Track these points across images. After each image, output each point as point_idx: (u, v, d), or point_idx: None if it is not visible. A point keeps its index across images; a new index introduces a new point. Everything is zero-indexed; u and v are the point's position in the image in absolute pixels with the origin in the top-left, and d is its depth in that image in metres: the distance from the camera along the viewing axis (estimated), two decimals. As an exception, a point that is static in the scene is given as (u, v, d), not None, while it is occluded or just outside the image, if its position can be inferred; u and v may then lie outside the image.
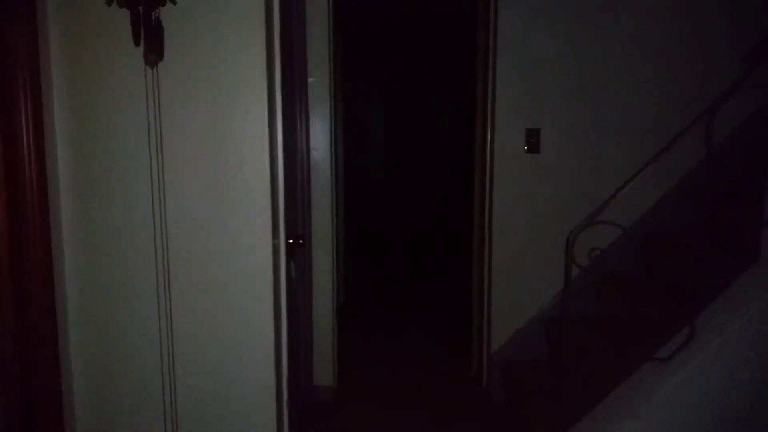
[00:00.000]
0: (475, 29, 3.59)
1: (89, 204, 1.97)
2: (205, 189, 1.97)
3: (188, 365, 2.03)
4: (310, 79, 3.19)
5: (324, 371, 3.53)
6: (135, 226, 1.97)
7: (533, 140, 3.29)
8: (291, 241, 2.17)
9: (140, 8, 1.84)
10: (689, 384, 2.18)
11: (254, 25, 1.92)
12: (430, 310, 5.32)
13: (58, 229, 1.95)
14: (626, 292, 2.95)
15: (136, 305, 2.01)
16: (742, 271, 2.28)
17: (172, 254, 1.98)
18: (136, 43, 1.85)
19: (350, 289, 5.37)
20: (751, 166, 2.50)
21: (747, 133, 2.95)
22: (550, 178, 3.33)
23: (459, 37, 4.68)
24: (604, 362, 2.63)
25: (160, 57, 1.90)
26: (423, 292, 5.98)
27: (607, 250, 2.47)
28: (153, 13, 1.87)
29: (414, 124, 8.97)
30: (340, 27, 3.88)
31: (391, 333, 4.75)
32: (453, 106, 8.42)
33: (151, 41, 1.87)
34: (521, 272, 3.40)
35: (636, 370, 2.37)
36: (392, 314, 5.26)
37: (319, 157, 3.46)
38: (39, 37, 1.84)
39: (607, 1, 3.22)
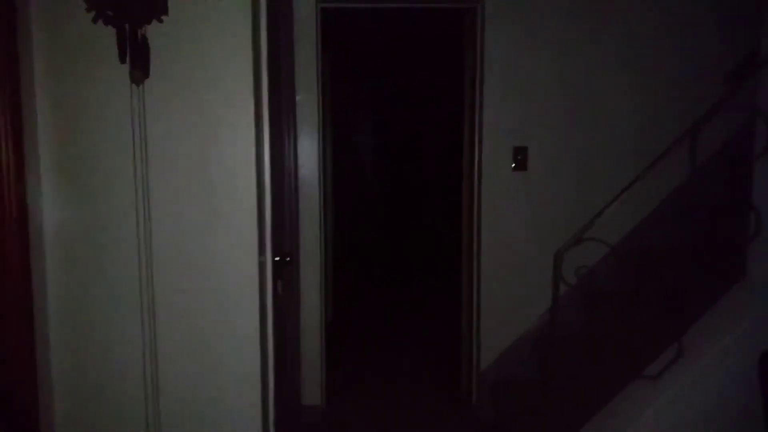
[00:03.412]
0: (463, 49, 3.62)
1: (73, 222, 1.95)
2: (191, 207, 1.95)
3: (172, 383, 2.00)
4: (297, 97, 3.20)
5: (312, 390, 3.48)
6: (119, 243, 1.95)
7: (520, 158, 3.31)
8: (278, 258, 2.15)
9: (126, 26, 1.84)
10: (678, 402, 2.17)
11: (241, 44, 1.92)
12: (421, 327, 5.29)
13: (40, 247, 1.92)
14: (614, 309, 2.95)
15: (118, 322, 1.98)
16: (729, 287, 2.29)
17: (157, 272, 1.96)
18: (122, 61, 1.85)
19: (340, 305, 5.34)
20: (736, 184, 2.52)
21: (732, 150, 2.99)
22: (538, 195, 3.34)
23: (448, 56, 4.72)
24: (593, 380, 2.62)
25: (146, 74, 1.89)
26: (413, 308, 5.95)
27: (594, 268, 2.47)
28: (139, 31, 1.86)
29: (405, 142, 9.01)
30: (329, 46, 3.90)
31: (381, 350, 4.71)
32: (443, 123, 8.46)
33: (137, 59, 1.86)
34: (510, 290, 3.39)
35: (625, 388, 2.36)
36: (382, 331, 5.22)
37: (307, 175, 3.46)
38: (22, 55, 1.83)
39: (596, 21, 3.27)
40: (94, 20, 1.82)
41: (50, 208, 1.94)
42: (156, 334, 1.97)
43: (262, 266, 2.00)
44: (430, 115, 8.79)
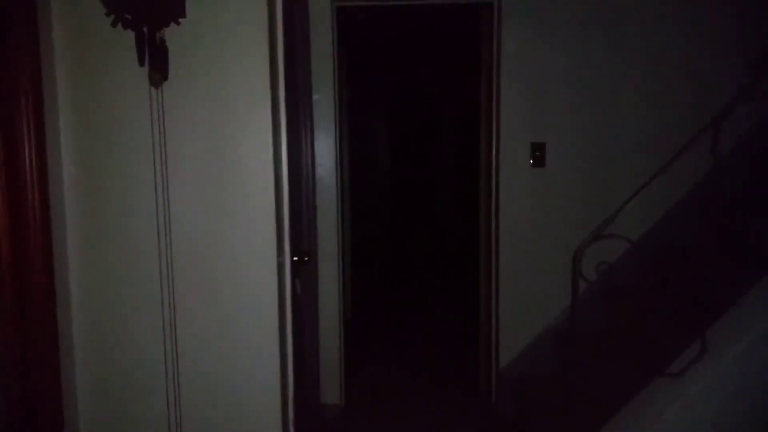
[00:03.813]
0: (479, 44, 3.59)
1: (94, 223, 1.98)
2: (210, 208, 1.97)
3: (192, 383, 2.02)
4: (315, 96, 3.20)
5: (331, 389, 3.50)
6: (139, 244, 1.97)
7: (539, 154, 3.28)
8: (296, 258, 2.16)
9: (145, 29, 1.86)
10: (701, 400, 2.14)
11: (258, 43, 1.93)
12: (439, 323, 5.29)
13: (63, 247, 1.95)
14: (635, 305, 2.92)
15: (139, 323, 2.01)
16: (753, 282, 2.25)
17: (177, 275, 1.98)
18: (141, 64, 1.87)
19: (358, 303, 5.35)
20: (759, 176, 2.48)
21: (754, 142, 2.93)
22: (557, 191, 3.31)
23: (463, 52, 4.70)
24: (615, 378, 2.59)
25: (165, 77, 1.91)
26: (431, 304, 5.95)
27: (615, 264, 2.44)
28: (157, 34, 1.88)
29: (420, 138, 8.99)
30: (344, 41, 3.90)
31: (400, 347, 4.71)
32: (458, 118, 8.44)
33: (156, 62, 1.88)
34: (529, 286, 3.37)
35: (647, 385, 2.33)
36: (401, 328, 5.22)
37: (324, 173, 3.46)
38: (44, 59, 1.85)
39: (612, 15, 3.22)
40: (113, 24, 1.84)
41: (72, 211, 1.97)
42: (177, 336, 1.99)
43: (280, 266, 2.01)
44: (446, 111, 8.76)
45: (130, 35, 1.85)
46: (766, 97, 2.32)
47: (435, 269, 7.48)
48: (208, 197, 1.97)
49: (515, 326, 3.39)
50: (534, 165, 3.30)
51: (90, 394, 2.03)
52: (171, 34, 1.90)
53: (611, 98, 3.26)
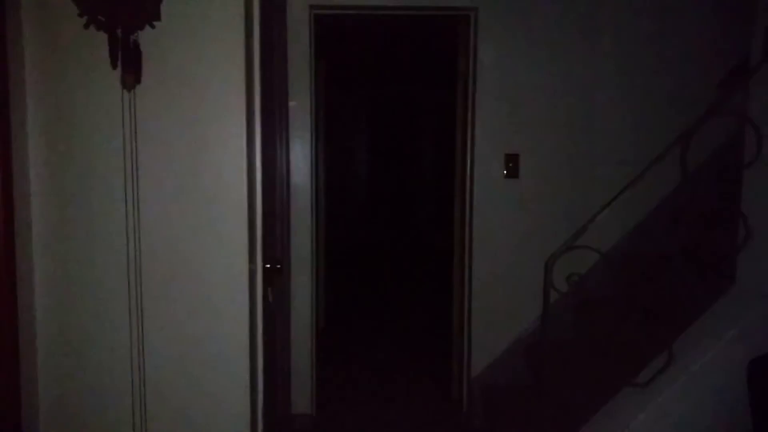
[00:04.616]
0: (456, 55, 3.63)
1: (61, 231, 1.93)
2: (181, 214, 1.94)
3: (159, 393, 1.98)
4: (291, 104, 3.19)
5: (302, 398, 3.46)
6: (108, 249, 1.94)
7: (512, 165, 3.32)
8: (268, 265, 2.14)
9: (119, 32, 1.84)
10: (668, 410, 2.17)
11: (234, 50, 1.92)
12: (414, 332, 5.29)
13: (28, 256, 1.91)
14: (605, 316, 2.96)
15: (106, 329, 1.96)
16: (719, 295, 2.30)
17: (146, 280, 1.95)
18: (114, 66, 1.85)
19: (332, 312, 5.32)
20: (725, 192, 2.54)
21: (721, 158, 3.01)
22: (530, 202, 3.35)
23: (443, 62, 4.74)
24: (585, 387, 2.62)
25: (138, 80, 1.89)
26: (406, 313, 5.95)
27: (586, 275, 2.48)
28: (131, 37, 1.86)
29: (399, 147, 9.03)
30: (323, 52, 3.91)
31: (373, 356, 4.70)
32: (437, 129, 8.50)
33: (129, 64, 1.86)
34: (502, 296, 3.39)
35: (616, 395, 2.36)
36: (374, 337, 5.21)
37: (299, 180, 3.45)
38: (12, 60, 1.81)
39: (587, 30, 3.29)
40: (86, 25, 1.82)
41: (39, 214, 1.92)
42: (144, 343, 1.96)
43: (252, 274, 1.99)
44: (424, 120, 8.82)
45: (103, 37, 1.83)
46: (732, 115, 2.38)
47: (411, 278, 7.50)
48: (179, 203, 1.94)
49: (488, 336, 3.41)
50: (507, 176, 3.34)
51: (52, 410, 1.98)
52: (145, 38, 1.87)
53: (584, 111, 3.32)
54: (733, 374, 2.10)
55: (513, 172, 3.33)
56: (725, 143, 3.01)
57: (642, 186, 2.41)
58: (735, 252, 2.26)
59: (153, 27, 1.87)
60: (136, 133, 1.91)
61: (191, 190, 1.94)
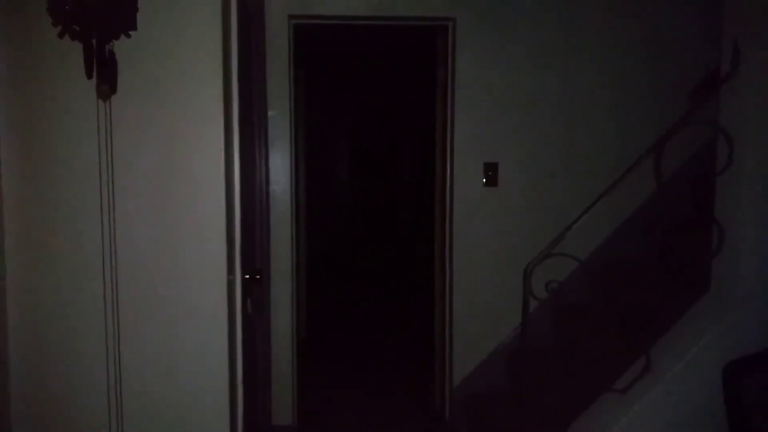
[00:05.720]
0: (435, 65, 3.66)
1: (35, 243, 1.90)
2: (159, 224, 1.92)
3: (137, 406, 1.95)
4: (270, 113, 3.19)
5: (283, 410, 3.43)
6: (84, 262, 1.91)
7: (491, 174, 3.35)
8: (247, 276, 2.13)
9: (93, 41, 1.82)
10: (646, 415, 2.19)
11: (211, 58, 1.91)
12: (396, 342, 5.27)
13: (1, 266, 1.87)
14: (584, 323, 2.99)
15: (82, 342, 1.93)
16: (695, 300, 2.33)
17: (123, 292, 1.92)
18: (89, 76, 1.82)
19: (313, 322, 5.29)
20: (699, 199, 2.58)
21: (695, 166, 3.06)
22: (509, 211, 3.38)
23: (422, 71, 4.77)
24: (565, 394, 2.64)
25: (114, 90, 1.87)
26: (388, 323, 5.93)
27: (564, 282, 2.49)
28: (107, 46, 1.84)
29: (380, 156, 9.04)
30: (303, 62, 3.91)
31: (354, 367, 4.67)
32: (418, 137, 8.53)
33: (104, 74, 1.84)
34: (482, 305, 3.41)
35: (595, 401, 2.38)
36: (356, 347, 5.19)
37: (279, 190, 3.44)
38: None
39: (563, 40, 3.34)
40: (60, 35, 1.79)
41: (11, 230, 1.89)
42: (121, 355, 1.93)
43: (231, 284, 1.97)
44: (405, 129, 8.85)
45: (77, 46, 1.80)
46: (705, 124, 2.42)
47: (393, 287, 7.48)
48: (157, 214, 1.92)
49: (469, 344, 3.42)
50: (486, 184, 3.36)
51: (27, 418, 1.94)
52: (121, 47, 1.86)
53: (562, 120, 3.36)
54: (710, 378, 2.12)
55: (492, 181, 3.36)
56: (698, 150, 3.07)
57: (618, 193, 2.44)
58: (709, 258, 2.30)
59: (129, 36, 1.85)
60: (111, 144, 1.89)
61: (168, 200, 1.92)
